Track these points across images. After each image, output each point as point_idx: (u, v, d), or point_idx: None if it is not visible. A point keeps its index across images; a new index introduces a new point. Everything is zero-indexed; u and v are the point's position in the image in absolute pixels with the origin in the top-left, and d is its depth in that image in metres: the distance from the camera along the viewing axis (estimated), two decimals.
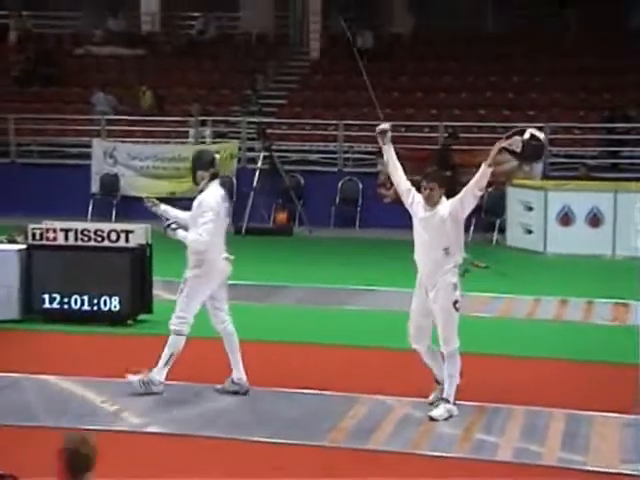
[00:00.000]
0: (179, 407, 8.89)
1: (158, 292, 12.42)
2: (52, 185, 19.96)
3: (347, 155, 20.60)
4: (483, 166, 8.36)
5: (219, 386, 9.32)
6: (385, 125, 8.89)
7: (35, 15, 26.87)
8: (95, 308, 11.82)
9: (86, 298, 11.87)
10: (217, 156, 9.48)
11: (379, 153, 19.97)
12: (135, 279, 11.91)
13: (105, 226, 12.49)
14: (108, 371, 9.56)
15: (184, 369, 9.36)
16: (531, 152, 8.80)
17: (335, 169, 20.32)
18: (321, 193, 19.68)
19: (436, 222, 8.39)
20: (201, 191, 9.09)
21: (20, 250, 12.12)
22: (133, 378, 9.08)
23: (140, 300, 11.98)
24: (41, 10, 26.94)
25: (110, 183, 20.30)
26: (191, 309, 9.14)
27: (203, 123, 21.35)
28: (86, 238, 11.95)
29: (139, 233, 12.05)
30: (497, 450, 7.85)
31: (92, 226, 12.41)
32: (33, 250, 12.02)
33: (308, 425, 8.43)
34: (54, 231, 12.03)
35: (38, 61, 24.21)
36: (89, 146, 20.76)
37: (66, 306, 11.92)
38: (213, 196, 9.04)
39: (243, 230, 19.20)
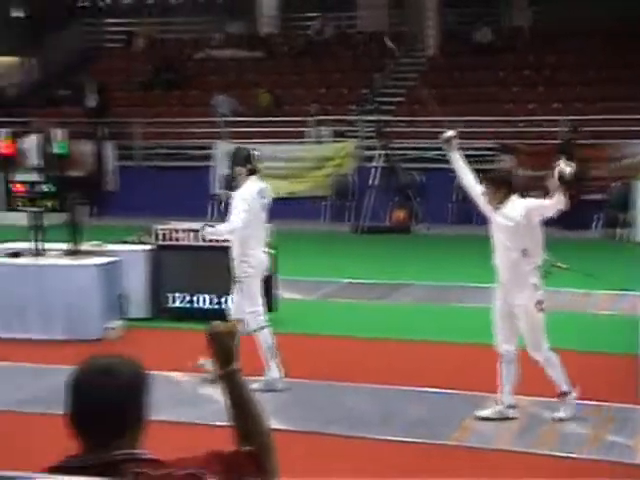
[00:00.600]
0: (302, 405, 8.98)
1: (282, 291, 12.54)
2: (175, 186, 20.28)
3: (466, 151, 20.41)
4: (557, 196, 7.94)
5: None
6: (450, 132, 8.84)
7: (159, 22, 27.36)
8: (219, 306, 11.98)
9: (212, 297, 12.07)
10: (255, 152, 9.61)
11: (499, 149, 19.96)
12: None
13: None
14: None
15: (300, 366, 9.45)
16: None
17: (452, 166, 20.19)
18: (439, 190, 19.58)
19: (507, 224, 8.21)
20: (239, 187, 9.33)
21: (148, 250, 12.38)
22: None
23: (264, 298, 12.10)
24: (164, 17, 27.38)
25: (231, 184, 20.50)
26: (257, 302, 9.42)
27: (321, 123, 21.44)
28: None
29: None
30: (630, 452, 7.70)
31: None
32: (160, 250, 12.26)
33: (433, 424, 8.41)
34: (177, 231, 12.27)
35: (161, 66, 24.66)
36: (210, 148, 21.02)
37: (193, 305, 12.14)
38: (248, 191, 9.24)
39: (360, 229, 19.24)
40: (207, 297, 12.10)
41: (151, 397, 2.92)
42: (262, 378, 9.18)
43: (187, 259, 12.14)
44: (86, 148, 15.44)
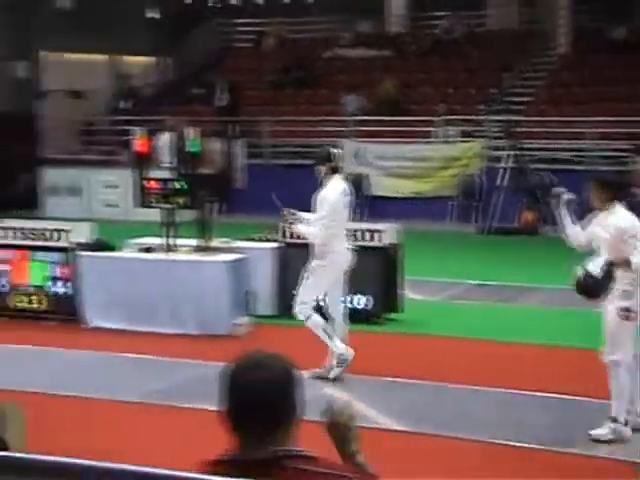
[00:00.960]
0: (428, 406, 8.95)
1: (408, 292, 12.52)
2: (302, 185, 20.36)
3: (597, 152, 20.09)
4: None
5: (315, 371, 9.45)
6: (560, 189, 8.67)
7: (289, 22, 27.58)
8: (347, 305, 12.02)
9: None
10: (336, 151, 9.74)
11: (634, 151, 19.50)
12: (386, 278, 12.07)
13: (356, 226, 12.69)
14: (358, 367, 9.62)
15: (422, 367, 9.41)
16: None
17: (584, 167, 19.85)
18: (570, 192, 19.20)
19: (604, 229, 8.00)
20: (323, 186, 9.47)
21: (275, 248, 12.51)
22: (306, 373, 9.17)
23: (390, 299, 12.14)
24: (294, 17, 27.57)
25: (358, 183, 20.58)
26: (312, 296, 9.63)
27: (448, 122, 21.34)
28: None
29: (389, 233, 12.21)
30: None
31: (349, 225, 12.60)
32: (288, 248, 12.34)
33: (557, 430, 8.30)
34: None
35: (291, 65, 24.87)
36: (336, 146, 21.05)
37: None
38: (332, 190, 9.41)
39: (487, 230, 19.09)
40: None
41: (303, 395, 2.97)
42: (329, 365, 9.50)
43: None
44: (217, 146, 15.67)
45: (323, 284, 9.63)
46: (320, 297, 9.88)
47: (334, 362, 9.56)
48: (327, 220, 9.33)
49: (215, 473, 2.72)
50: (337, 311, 9.81)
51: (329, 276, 9.59)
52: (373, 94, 23.11)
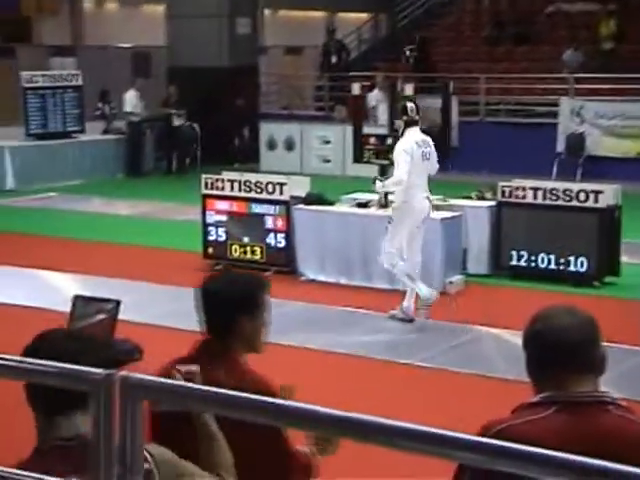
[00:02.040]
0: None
1: (625, 256, 12.12)
2: (517, 144, 20.07)
3: None
4: None
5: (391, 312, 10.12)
6: None
7: None
8: (561, 267, 11.79)
9: (552, 257, 11.89)
10: (409, 104, 10.05)
11: None
12: (603, 240, 11.73)
13: (574, 186, 12.43)
14: None
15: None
16: None
17: None
18: None
19: None
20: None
21: (490, 207, 12.37)
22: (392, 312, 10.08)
23: (607, 262, 11.80)
24: None
25: (576, 142, 20.08)
26: (395, 244, 9.94)
27: None
28: (554, 197, 11.92)
29: (609, 194, 11.85)
30: None
31: (560, 185, 12.36)
32: (503, 207, 12.19)
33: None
34: (523, 189, 12.12)
35: (509, 21, 24.41)
36: (556, 105, 20.62)
37: (533, 264, 12.01)
38: (407, 141, 9.82)
39: None
40: (548, 257, 11.91)
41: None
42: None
43: (530, 217, 12.02)
44: (432, 102, 15.52)
45: (402, 232, 9.95)
46: (402, 245, 10.07)
47: (405, 304, 10.02)
48: (406, 167, 9.67)
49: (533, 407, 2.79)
50: (417, 260, 10.10)
51: (406, 224, 9.92)
52: (594, 50, 22.46)
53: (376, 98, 18.93)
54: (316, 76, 26.25)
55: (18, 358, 2.71)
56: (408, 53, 24.03)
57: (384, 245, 10.09)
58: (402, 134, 10.01)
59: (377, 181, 10.63)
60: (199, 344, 3.88)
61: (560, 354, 2.84)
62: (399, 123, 10.13)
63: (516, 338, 9.87)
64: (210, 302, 3.87)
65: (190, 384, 2.60)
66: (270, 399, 2.51)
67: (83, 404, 2.93)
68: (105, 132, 21.51)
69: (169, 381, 2.58)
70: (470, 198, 12.93)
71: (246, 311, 3.84)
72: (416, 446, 2.29)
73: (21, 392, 2.97)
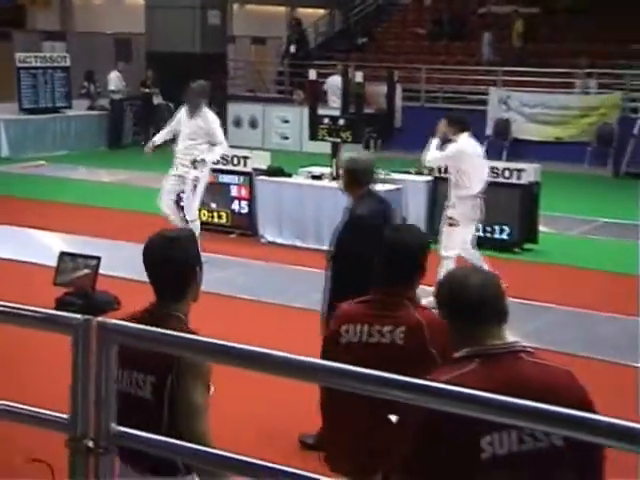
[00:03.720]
0: (559, 328, 8.73)
1: (543, 226, 12.20)
2: None
3: None
4: None
5: None
6: None
7: None
8: (488, 235, 11.81)
9: (480, 226, 11.88)
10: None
11: None
12: (524, 212, 11.80)
13: (500, 164, 12.49)
14: None
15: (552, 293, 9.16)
16: None
17: None
18: None
19: None
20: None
21: (427, 181, 12.40)
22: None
23: (527, 231, 11.87)
24: None
25: (503, 127, 20.15)
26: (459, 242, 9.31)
27: (589, 75, 20.59)
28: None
29: (530, 172, 11.93)
30: None
31: (489, 164, 12.34)
32: (438, 181, 12.13)
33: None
34: None
35: (447, 20, 24.36)
36: (485, 94, 20.66)
37: None
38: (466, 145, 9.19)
39: (622, 173, 18.53)
40: (476, 225, 11.92)
41: None
42: None
43: None
44: (379, 89, 15.53)
45: (471, 228, 9.65)
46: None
47: None
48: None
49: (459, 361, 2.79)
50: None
51: (472, 220, 9.56)
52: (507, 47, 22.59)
53: (333, 83, 18.81)
54: (277, 63, 26.11)
55: (9, 304, 2.68)
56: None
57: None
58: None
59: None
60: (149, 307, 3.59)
61: (480, 309, 2.83)
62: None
63: None
64: (159, 266, 3.56)
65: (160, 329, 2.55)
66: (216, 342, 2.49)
67: None
68: (90, 108, 21.31)
69: (142, 326, 2.54)
70: (410, 173, 12.90)
71: (196, 267, 3.60)
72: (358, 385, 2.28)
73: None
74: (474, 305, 2.83)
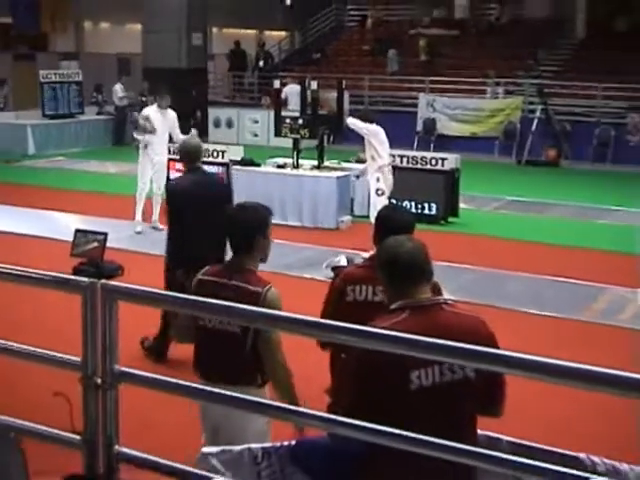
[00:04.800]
0: (477, 285, 8.75)
1: (463, 203, 12.26)
2: (390, 125, 19.92)
3: (603, 109, 19.27)
4: None
5: None
6: None
7: (384, 8, 26.83)
8: (419, 211, 11.86)
9: (413, 203, 11.95)
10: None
11: (627, 108, 18.68)
12: (447, 192, 11.83)
13: (428, 154, 12.49)
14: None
15: (473, 257, 9.20)
16: None
17: (594, 119, 19.10)
18: (582, 137, 18.58)
19: None
20: None
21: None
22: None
23: (450, 207, 11.91)
24: (389, 4, 26.82)
25: (430, 125, 20.17)
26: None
27: (497, 84, 20.65)
28: (415, 162, 11.97)
29: (452, 160, 11.95)
30: None
31: (419, 154, 12.42)
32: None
33: (566, 304, 8.11)
34: (394, 156, 11.98)
35: (385, 39, 24.20)
36: (416, 98, 20.65)
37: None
38: None
39: (522, 161, 18.64)
40: (410, 203, 11.92)
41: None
42: None
43: (398, 175, 11.74)
44: (330, 95, 15.40)
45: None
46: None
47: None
48: None
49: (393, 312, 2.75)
50: None
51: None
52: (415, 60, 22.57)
53: (293, 90, 18.63)
54: (249, 75, 25.87)
55: (34, 271, 2.67)
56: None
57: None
58: None
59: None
60: (227, 261, 3.90)
61: (411, 271, 2.80)
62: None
63: None
64: (234, 227, 3.84)
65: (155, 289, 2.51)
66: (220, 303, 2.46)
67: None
68: (98, 114, 21.02)
69: (136, 287, 2.50)
70: (355, 162, 12.84)
71: (261, 232, 3.83)
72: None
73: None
74: (406, 268, 2.80)
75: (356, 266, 4.08)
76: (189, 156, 6.29)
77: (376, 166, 9.78)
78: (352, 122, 10.24)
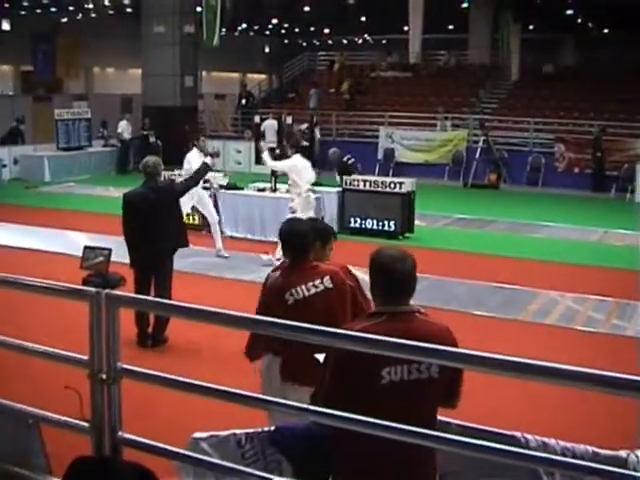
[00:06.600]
0: (427, 290, 8.80)
1: (417, 220, 12.31)
2: (355, 153, 19.94)
3: (535, 140, 19.53)
4: None
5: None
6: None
7: (349, 54, 27.01)
8: (380, 227, 11.90)
9: (375, 221, 11.99)
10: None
11: (554, 139, 18.95)
12: (404, 211, 11.87)
13: (387, 179, 12.53)
14: None
15: (427, 266, 9.19)
16: None
17: (527, 149, 19.33)
18: (518, 164, 18.79)
19: None
20: None
21: (338, 191, 12.34)
22: (264, 256, 9.76)
23: (407, 224, 11.95)
24: (352, 51, 27.01)
25: (389, 154, 20.28)
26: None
27: (445, 118, 20.82)
28: (376, 185, 12.02)
29: (408, 184, 11.98)
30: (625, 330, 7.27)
31: (380, 179, 12.47)
32: (346, 191, 12.21)
33: (506, 307, 8.17)
34: (358, 181, 12.17)
35: (349, 81, 24.27)
36: (377, 131, 20.76)
37: (363, 225, 12.08)
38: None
39: (468, 185, 18.79)
40: (372, 221, 12.00)
41: None
42: None
43: (362, 197, 12.06)
44: (303, 128, 15.49)
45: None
46: None
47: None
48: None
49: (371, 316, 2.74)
50: None
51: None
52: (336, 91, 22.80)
53: (270, 125, 18.64)
54: (233, 112, 25.85)
55: (47, 281, 2.63)
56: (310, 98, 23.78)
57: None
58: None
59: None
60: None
61: (402, 286, 2.78)
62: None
63: (355, 271, 9.99)
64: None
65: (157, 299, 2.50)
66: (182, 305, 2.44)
67: None
68: (104, 146, 20.88)
69: (135, 295, 2.50)
70: (325, 185, 12.80)
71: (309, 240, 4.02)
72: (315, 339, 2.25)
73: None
74: (398, 284, 2.78)
75: (280, 275, 3.98)
76: (145, 170, 6.91)
77: (295, 192, 9.87)
78: (272, 165, 10.24)
